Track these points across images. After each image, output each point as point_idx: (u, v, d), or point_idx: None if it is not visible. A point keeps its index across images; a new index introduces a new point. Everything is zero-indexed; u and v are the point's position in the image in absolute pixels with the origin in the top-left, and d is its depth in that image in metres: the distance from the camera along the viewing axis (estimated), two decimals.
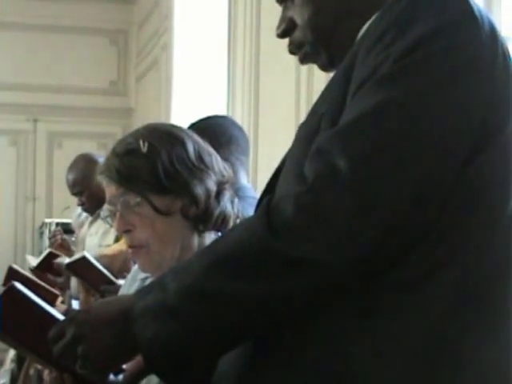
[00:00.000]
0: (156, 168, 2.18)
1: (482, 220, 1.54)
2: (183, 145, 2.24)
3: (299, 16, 1.76)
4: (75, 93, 10.25)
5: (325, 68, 1.82)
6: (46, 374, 1.99)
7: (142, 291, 1.63)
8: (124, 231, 2.24)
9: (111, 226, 4.19)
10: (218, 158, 2.33)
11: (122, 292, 2.53)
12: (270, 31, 1.89)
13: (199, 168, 2.23)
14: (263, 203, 1.54)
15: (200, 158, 2.25)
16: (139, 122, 9.58)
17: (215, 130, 3.26)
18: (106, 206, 2.33)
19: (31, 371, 6.27)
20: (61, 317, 1.80)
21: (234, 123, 3.69)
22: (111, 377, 1.78)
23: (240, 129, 3.59)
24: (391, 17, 1.54)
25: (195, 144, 2.27)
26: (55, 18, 10.21)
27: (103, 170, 2.25)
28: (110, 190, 2.24)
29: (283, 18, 1.82)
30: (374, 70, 1.49)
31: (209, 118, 3.58)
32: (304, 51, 1.79)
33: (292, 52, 1.83)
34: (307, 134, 1.65)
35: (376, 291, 1.49)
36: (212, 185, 2.24)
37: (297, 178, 1.54)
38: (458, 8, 1.53)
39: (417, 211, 1.47)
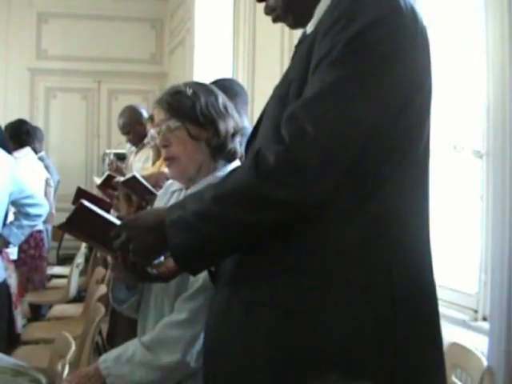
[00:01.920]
0: (195, 106, 2.21)
1: (400, 160, 1.54)
2: (215, 96, 2.28)
3: None
4: (126, 62, 10.20)
5: (291, 27, 1.80)
6: (109, 257, 2.04)
7: (172, 207, 1.67)
8: (163, 146, 2.25)
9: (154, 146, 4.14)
10: (235, 111, 2.35)
11: (157, 201, 2.52)
12: (263, 18, 1.83)
13: (223, 113, 2.25)
14: (253, 153, 1.54)
15: (225, 107, 2.27)
16: (170, 82, 9.57)
17: (225, 86, 3.30)
18: (152, 130, 2.36)
19: (98, 254, 6.37)
20: (117, 222, 1.85)
21: (237, 83, 3.73)
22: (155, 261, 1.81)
23: (242, 87, 3.64)
24: (340, 9, 1.52)
25: (223, 98, 2.30)
26: (112, 10, 10.13)
27: (157, 101, 2.28)
28: (158, 115, 2.26)
29: None
30: (328, 51, 1.48)
31: (220, 79, 3.62)
32: (276, 14, 1.75)
33: (267, 13, 1.78)
34: (280, 95, 1.65)
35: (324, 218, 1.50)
36: (230, 127, 2.26)
37: (275, 134, 1.54)
38: (389, 3, 1.51)
39: (366, 157, 1.47)
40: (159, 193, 2.59)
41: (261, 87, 5.68)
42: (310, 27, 1.69)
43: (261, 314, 1.55)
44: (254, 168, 1.50)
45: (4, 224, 3.70)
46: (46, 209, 3.97)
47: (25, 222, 3.81)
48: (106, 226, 1.83)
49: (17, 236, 3.83)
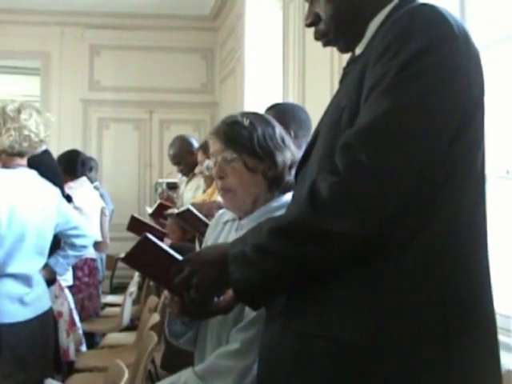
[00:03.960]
0: (252, 137, 2.20)
1: (458, 183, 1.50)
2: (273, 127, 2.27)
3: (323, 12, 1.73)
4: (178, 92, 10.29)
5: (342, 51, 1.78)
6: (166, 292, 2.05)
7: (235, 241, 1.65)
8: (219, 177, 2.24)
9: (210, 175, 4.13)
10: (292, 144, 2.33)
11: (208, 231, 2.52)
12: (312, 44, 1.84)
13: (281, 145, 2.24)
14: (309, 185, 1.52)
15: (282, 138, 2.26)
16: (222, 111, 9.65)
17: (288, 112, 3.27)
18: (207, 161, 2.36)
19: (151, 283, 6.39)
20: (179, 257, 1.84)
21: (302, 109, 3.64)
22: (215, 299, 1.82)
23: (306, 112, 3.53)
24: (392, 34, 1.50)
25: (280, 129, 2.29)
26: (162, 41, 10.26)
27: (213, 132, 2.28)
28: (214, 146, 2.25)
29: (310, 13, 1.78)
30: (380, 78, 1.46)
31: (282, 104, 3.57)
32: (327, 39, 1.75)
33: (317, 38, 1.78)
34: (332, 122, 1.62)
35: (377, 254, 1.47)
36: (288, 159, 2.24)
37: (328, 163, 1.52)
38: (443, 28, 1.48)
39: (423, 184, 1.43)
40: (210, 223, 2.57)
41: (311, 113, 5.67)
42: (359, 49, 1.70)
43: (312, 346, 1.53)
44: (309, 200, 1.49)
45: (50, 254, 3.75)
46: (91, 240, 4.03)
47: (70, 253, 3.87)
48: (168, 261, 1.82)
49: (62, 266, 3.88)
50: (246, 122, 2.24)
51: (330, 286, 1.53)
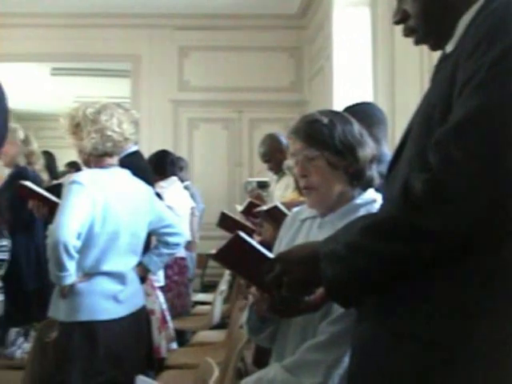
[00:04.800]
0: (333, 134, 2.22)
1: None
2: (351, 123, 2.29)
3: (412, 9, 1.69)
4: (266, 91, 10.32)
5: (433, 48, 1.74)
6: (253, 289, 2.08)
7: (326, 240, 1.65)
8: (302, 175, 2.26)
9: (288, 173, 4.16)
10: (370, 139, 2.33)
11: (284, 228, 2.50)
12: (402, 41, 1.82)
13: (360, 140, 2.26)
14: (402, 184, 1.51)
15: (361, 134, 2.28)
16: (311, 109, 9.62)
17: (366, 113, 3.28)
18: (289, 159, 2.38)
19: (241, 281, 6.42)
20: (271, 256, 1.85)
21: (376, 107, 3.68)
22: (305, 298, 1.85)
23: (382, 111, 3.59)
24: (483, 30, 1.46)
25: (358, 125, 2.31)
26: (250, 41, 10.31)
27: (293, 131, 2.31)
28: (295, 145, 2.28)
29: (398, 9, 1.75)
30: (472, 74, 1.43)
31: (358, 104, 3.60)
32: (416, 36, 1.72)
33: (406, 35, 1.75)
34: (423, 119, 1.61)
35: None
36: (368, 154, 2.26)
37: (420, 161, 1.50)
38: None
39: None
40: (285, 220, 2.57)
41: (401, 110, 5.62)
42: (449, 46, 1.65)
43: (402, 344, 1.53)
44: (401, 199, 1.48)
45: (144, 252, 3.81)
46: (184, 238, 4.05)
47: (164, 251, 3.89)
48: (259, 259, 1.84)
49: (156, 264, 3.91)
50: (325, 120, 2.25)
51: (420, 285, 1.51)
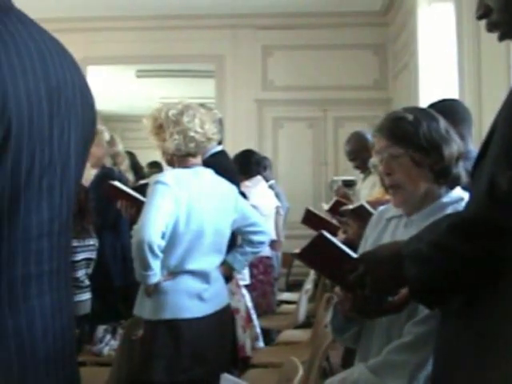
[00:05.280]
0: (418, 131, 2.19)
1: None
2: (437, 121, 2.25)
3: (494, 3, 1.62)
4: (350, 89, 10.28)
5: None
6: (337, 289, 2.04)
7: (410, 239, 1.64)
8: (386, 174, 2.24)
9: (373, 172, 4.15)
10: (456, 136, 2.29)
11: (370, 227, 2.48)
12: (487, 36, 1.75)
13: (446, 137, 2.22)
14: (487, 181, 1.47)
15: (447, 130, 2.24)
16: (395, 107, 9.53)
17: (451, 110, 3.24)
18: (374, 157, 2.36)
19: (327, 281, 6.40)
20: (354, 255, 1.85)
21: (461, 103, 3.64)
22: (389, 298, 1.83)
23: (466, 108, 3.54)
24: None
25: (444, 122, 2.27)
26: (333, 39, 10.32)
27: (377, 129, 2.30)
28: (379, 143, 2.27)
29: (480, 4, 1.68)
30: None
31: (443, 100, 3.55)
32: (500, 31, 1.65)
33: (489, 30, 1.67)
34: (510, 115, 1.55)
35: None
36: (454, 151, 2.22)
37: (507, 158, 1.45)
38: None
39: None
40: (371, 219, 2.56)
41: (488, 106, 5.52)
42: None
43: (487, 344, 1.49)
44: (487, 196, 1.45)
45: (228, 251, 3.82)
46: (268, 236, 4.05)
47: (248, 249, 3.89)
48: (342, 258, 1.84)
49: (240, 262, 3.92)
50: (410, 117, 2.22)
51: (505, 285, 1.47)
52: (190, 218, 3.45)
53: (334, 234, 2.01)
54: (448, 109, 3.20)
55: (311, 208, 5.61)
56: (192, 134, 3.54)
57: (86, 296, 4.80)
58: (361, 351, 2.31)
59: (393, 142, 2.22)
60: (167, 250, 3.42)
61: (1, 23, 1.40)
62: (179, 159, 3.61)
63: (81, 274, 4.74)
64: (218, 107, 9.77)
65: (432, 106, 3.29)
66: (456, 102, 3.72)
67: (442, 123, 2.26)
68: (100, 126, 5.82)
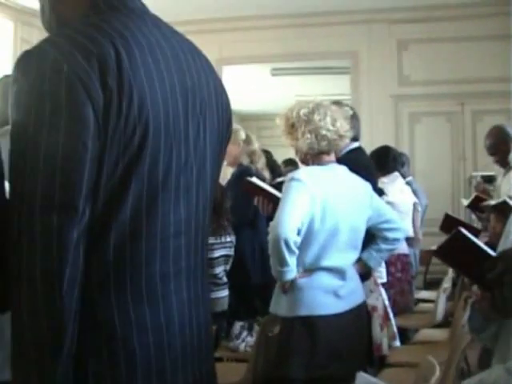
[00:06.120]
0: None
1: None
2: None
3: None
4: (488, 82, 9.92)
5: None
6: (474, 287, 2.02)
7: None
8: None
9: None
10: None
11: (509, 224, 2.38)
12: None
13: None
14: None
15: None
16: None
17: None
18: None
19: (466, 279, 6.27)
20: (493, 253, 1.80)
21: None
22: None
23: None
24: None
25: None
26: (472, 30, 10.00)
27: None
28: None
29: None
30: None
31: None
32: None
33: None
34: None
35: None
36: None
37: None
38: None
39: None
40: None
41: None
42: None
43: None
44: None
45: (363, 249, 3.81)
46: (403, 233, 4.00)
47: (383, 246, 3.86)
48: (481, 256, 1.80)
49: (376, 260, 3.89)
50: None
51: None
52: (325, 215, 3.46)
53: (476, 237, 1.96)
54: None
55: (449, 210, 5.52)
56: (324, 132, 3.56)
57: (224, 293, 4.89)
58: (499, 352, 2.25)
59: None
60: (303, 247, 3.44)
61: (136, 27, 1.45)
62: (313, 157, 3.64)
63: (219, 270, 4.84)
64: (353, 103, 9.73)
65: None
66: None
67: None
68: (236, 125, 5.92)
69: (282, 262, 3.38)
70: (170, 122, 1.44)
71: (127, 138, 1.38)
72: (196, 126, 1.54)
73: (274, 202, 3.84)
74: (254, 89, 13.62)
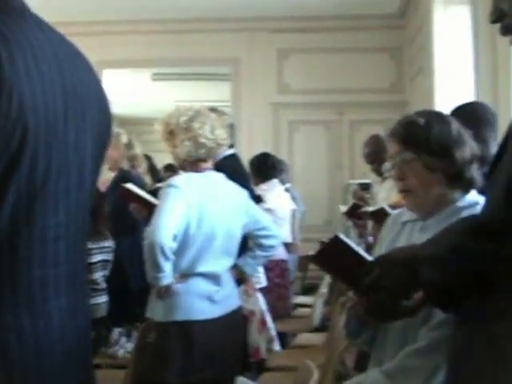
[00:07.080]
0: (429, 136, 2.18)
1: None
2: (448, 124, 2.23)
3: (509, 7, 1.61)
4: (367, 92, 10.22)
5: None
6: (350, 293, 2.05)
7: (425, 244, 1.64)
8: (399, 178, 2.24)
9: (389, 176, 4.14)
10: (470, 138, 2.28)
11: (385, 230, 2.46)
12: (505, 41, 1.78)
13: (458, 141, 2.20)
14: (504, 185, 1.45)
15: (459, 133, 2.22)
16: (412, 110, 9.48)
17: (474, 112, 3.25)
18: (388, 161, 2.37)
19: (341, 285, 6.40)
20: (369, 258, 1.84)
21: (486, 106, 3.62)
22: (403, 302, 1.79)
23: (490, 110, 3.53)
24: None
25: (456, 124, 2.25)
26: (349, 42, 10.25)
27: (390, 134, 2.29)
28: (392, 148, 2.27)
29: (494, 8, 1.65)
30: None
31: (470, 103, 3.55)
32: None
33: (503, 34, 1.64)
34: None
35: None
36: (467, 154, 2.20)
37: None
38: None
39: None
40: (386, 222, 2.54)
41: (504, 112, 5.49)
42: None
43: (504, 347, 1.46)
44: (504, 197, 1.44)
45: (240, 254, 3.84)
46: (278, 240, 4.07)
47: (259, 253, 3.92)
48: (357, 261, 1.82)
49: (251, 266, 3.94)
50: (422, 122, 2.23)
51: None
52: (202, 221, 3.49)
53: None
54: (470, 112, 3.21)
55: (325, 217, 5.62)
56: (203, 140, 3.59)
57: (103, 299, 4.82)
58: (375, 355, 2.30)
59: (405, 147, 2.22)
60: (179, 252, 3.46)
61: (17, 27, 1.41)
62: (190, 164, 3.66)
63: (97, 276, 4.76)
64: (234, 110, 9.80)
65: (457, 109, 3.30)
66: (480, 104, 3.71)
67: (455, 126, 2.25)
68: (118, 129, 5.86)
69: (158, 268, 3.39)
70: (49, 123, 1.41)
71: (6, 138, 1.34)
72: (76, 129, 1.50)
73: (149, 207, 3.84)
74: (135, 93, 13.52)
